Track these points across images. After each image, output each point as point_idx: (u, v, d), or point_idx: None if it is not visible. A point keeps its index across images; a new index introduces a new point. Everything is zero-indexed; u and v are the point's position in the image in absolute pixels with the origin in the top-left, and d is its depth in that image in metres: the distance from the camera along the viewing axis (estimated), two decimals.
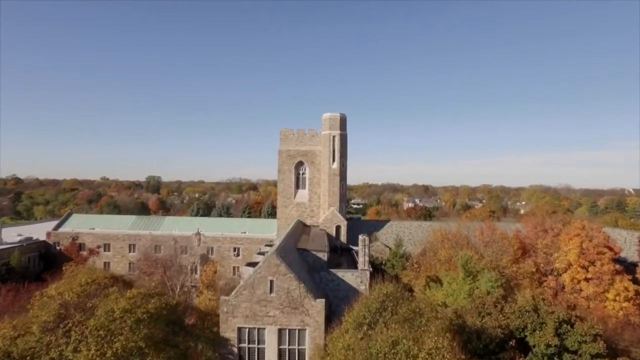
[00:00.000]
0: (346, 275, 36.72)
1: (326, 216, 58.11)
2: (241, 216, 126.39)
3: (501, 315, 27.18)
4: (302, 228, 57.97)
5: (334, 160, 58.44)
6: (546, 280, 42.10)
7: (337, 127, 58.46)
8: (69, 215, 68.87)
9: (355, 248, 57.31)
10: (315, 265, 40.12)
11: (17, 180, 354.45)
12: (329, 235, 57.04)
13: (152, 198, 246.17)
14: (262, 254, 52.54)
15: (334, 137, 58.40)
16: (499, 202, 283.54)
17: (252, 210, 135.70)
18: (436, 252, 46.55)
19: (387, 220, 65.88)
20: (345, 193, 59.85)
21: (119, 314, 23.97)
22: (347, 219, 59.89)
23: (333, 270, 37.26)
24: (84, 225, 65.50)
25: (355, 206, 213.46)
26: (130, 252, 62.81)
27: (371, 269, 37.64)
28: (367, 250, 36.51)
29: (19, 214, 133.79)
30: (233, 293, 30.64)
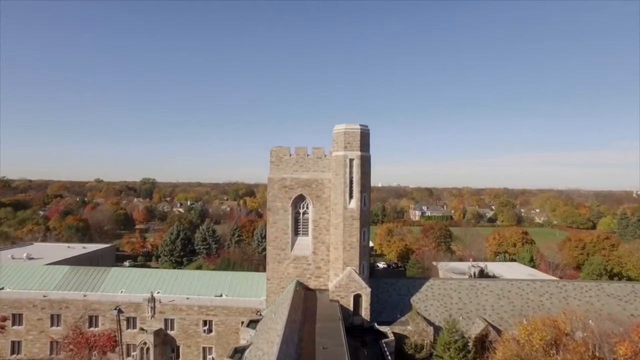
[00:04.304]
0: None
1: (340, 281, 38.52)
2: (230, 239, 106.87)
3: None
4: (302, 296, 38.55)
5: (351, 197, 38.82)
6: None
7: (356, 145, 38.84)
8: None
9: (383, 330, 37.87)
10: None
11: (5, 183, 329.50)
12: (343, 309, 37.70)
13: (140, 206, 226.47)
14: (241, 351, 33.19)
15: (351, 160, 38.77)
16: (511, 208, 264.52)
17: (244, 231, 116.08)
18: None
19: (425, 278, 46.40)
20: (367, 244, 40.27)
21: None
22: (369, 280, 40.39)
23: None
24: None
25: None
26: (52, 325, 43.09)
27: None
28: None
29: None
30: None
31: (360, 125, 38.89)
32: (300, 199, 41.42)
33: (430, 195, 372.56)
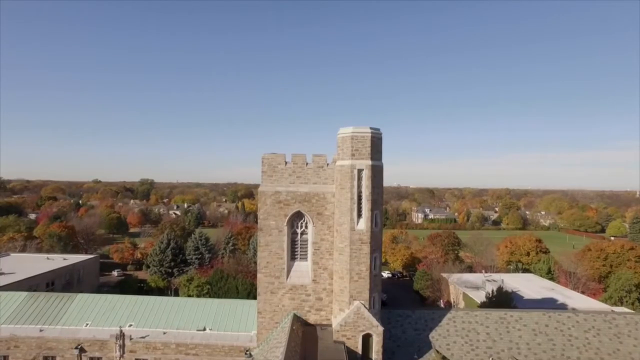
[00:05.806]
0: None
1: (346, 318, 31.53)
2: (224, 248, 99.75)
3: None
4: (300, 336, 31.62)
5: (360, 215, 31.82)
6: None
7: (365, 153, 31.84)
8: None
9: None
10: None
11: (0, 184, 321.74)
12: (350, 351, 30.77)
13: (135, 209, 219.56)
14: None
15: (359, 171, 31.79)
16: (515, 211, 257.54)
17: (240, 238, 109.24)
18: None
19: (445, 309, 39.44)
20: (379, 273, 33.22)
21: None
22: (380, 313, 33.40)
23: None
24: None
25: None
26: None
27: None
28: None
29: None
30: None
31: (371, 128, 31.86)
32: (298, 216, 34.42)
33: (432, 196, 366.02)
